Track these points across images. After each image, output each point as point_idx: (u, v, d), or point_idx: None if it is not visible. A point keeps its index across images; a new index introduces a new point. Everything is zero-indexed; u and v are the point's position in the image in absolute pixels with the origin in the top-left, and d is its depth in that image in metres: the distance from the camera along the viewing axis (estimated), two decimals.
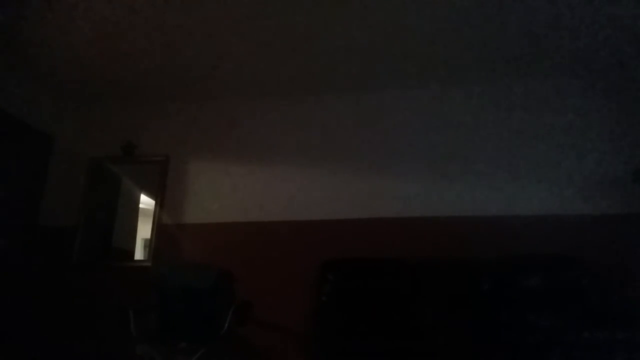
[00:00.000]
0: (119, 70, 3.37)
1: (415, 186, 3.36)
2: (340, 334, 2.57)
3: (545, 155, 3.33)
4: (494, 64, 3.30)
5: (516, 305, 2.65)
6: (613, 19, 2.77)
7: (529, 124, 3.42)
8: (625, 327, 2.31)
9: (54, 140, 3.56)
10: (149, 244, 3.42)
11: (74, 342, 3.08)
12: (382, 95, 3.64)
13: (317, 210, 3.34)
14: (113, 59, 3.21)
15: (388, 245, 3.11)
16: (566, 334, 2.34)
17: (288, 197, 3.44)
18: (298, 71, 3.41)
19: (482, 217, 3.19)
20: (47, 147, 3.51)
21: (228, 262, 3.04)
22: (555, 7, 2.67)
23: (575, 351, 2.27)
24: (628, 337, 2.25)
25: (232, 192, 3.50)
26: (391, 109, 3.61)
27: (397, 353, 2.41)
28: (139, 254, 3.53)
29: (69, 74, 3.40)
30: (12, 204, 3.19)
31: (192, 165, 3.62)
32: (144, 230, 3.49)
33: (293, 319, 3.05)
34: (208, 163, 3.62)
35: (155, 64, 3.28)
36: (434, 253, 3.01)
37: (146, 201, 3.68)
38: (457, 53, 3.16)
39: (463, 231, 3.15)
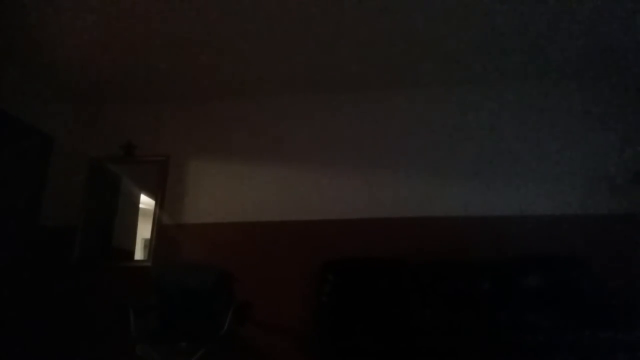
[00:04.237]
0: (119, 71, 3.37)
1: (415, 186, 3.36)
2: (340, 334, 2.57)
3: (545, 155, 3.33)
4: (494, 65, 3.30)
5: (516, 305, 2.65)
6: (613, 18, 2.77)
7: (528, 124, 3.42)
8: (625, 327, 2.30)
9: (54, 140, 3.56)
10: (149, 244, 3.43)
11: (74, 342, 3.08)
12: (382, 95, 3.64)
13: (317, 211, 3.34)
14: (113, 60, 3.21)
15: (388, 245, 3.11)
16: (566, 334, 2.34)
17: (288, 197, 3.44)
18: (298, 71, 3.41)
19: (482, 217, 3.19)
20: (47, 147, 3.50)
21: (228, 262, 3.05)
22: (555, 7, 2.67)
23: (575, 351, 2.27)
24: (628, 337, 2.25)
25: (232, 192, 3.50)
26: (391, 109, 3.61)
27: (397, 353, 2.40)
28: (139, 254, 3.54)
29: (69, 74, 3.40)
30: (12, 204, 3.19)
31: (192, 165, 3.63)
32: (144, 230, 3.50)
33: (293, 319, 3.04)
34: (208, 163, 3.62)
35: (155, 64, 3.27)
36: (434, 253, 3.01)
37: (146, 201, 3.68)
38: (457, 54, 3.16)
39: (463, 231, 3.15)
